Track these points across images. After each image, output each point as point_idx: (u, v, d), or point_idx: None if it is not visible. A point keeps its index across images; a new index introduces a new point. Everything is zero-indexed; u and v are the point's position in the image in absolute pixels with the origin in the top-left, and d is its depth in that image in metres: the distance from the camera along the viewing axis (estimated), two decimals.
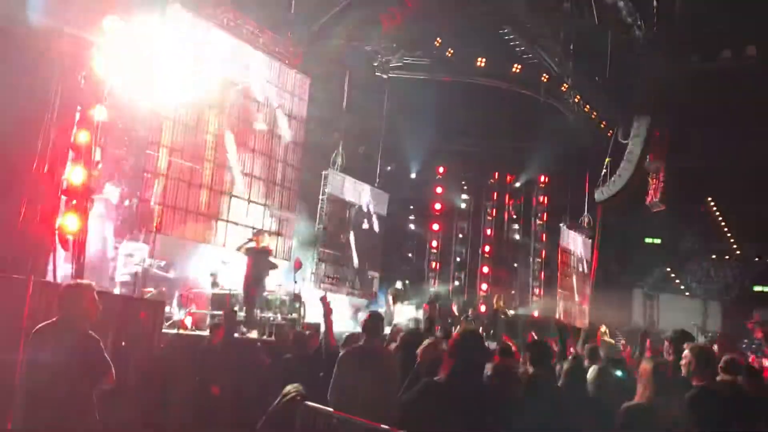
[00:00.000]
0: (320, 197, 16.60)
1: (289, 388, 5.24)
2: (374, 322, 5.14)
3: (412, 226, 22.70)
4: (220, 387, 8.02)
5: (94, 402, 4.29)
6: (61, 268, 7.71)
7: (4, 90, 6.94)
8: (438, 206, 22.86)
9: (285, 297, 12.37)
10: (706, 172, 21.48)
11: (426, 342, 4.97)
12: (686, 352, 4.53)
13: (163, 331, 8.81)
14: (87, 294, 4.38)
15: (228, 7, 13.14)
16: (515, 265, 23.86)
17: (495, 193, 23.77)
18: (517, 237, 24.09)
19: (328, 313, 6.48)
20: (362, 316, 15.99)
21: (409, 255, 22.35)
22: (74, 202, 7.61)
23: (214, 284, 11.66)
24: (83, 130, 7.79)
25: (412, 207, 22.58)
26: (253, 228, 13.06)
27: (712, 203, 26.05)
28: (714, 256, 27.82)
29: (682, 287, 27.69)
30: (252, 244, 11.48)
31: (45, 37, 7.25)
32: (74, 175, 7.67)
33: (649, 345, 7.84)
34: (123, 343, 7.22)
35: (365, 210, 18.14)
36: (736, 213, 25.06)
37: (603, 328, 20.85)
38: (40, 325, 4.29)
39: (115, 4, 8.31)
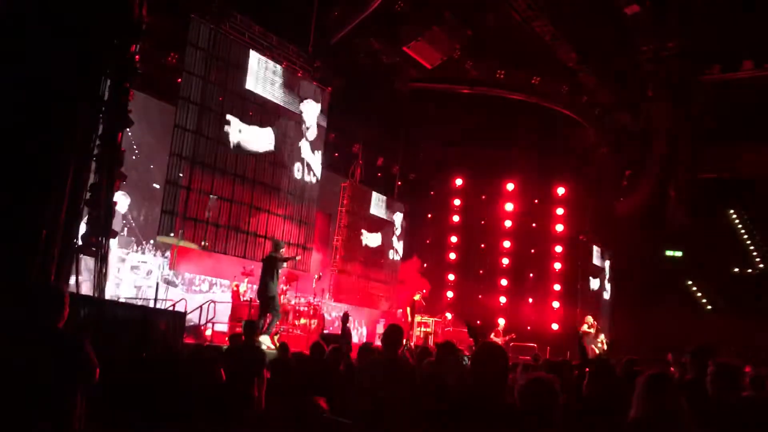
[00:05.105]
0: (339, 208, 16.67)
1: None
2: (393, 334, 5.14)
3: (427, 240, 22.66)
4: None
5: (77, 405, 4.11)
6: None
7: None
8: (456, 218, 22.74)
9: (302, 309, 12.41)
10: (728, 184, 21.24)
11: None
12: (711, 368, 4.42)
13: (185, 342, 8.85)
14: (61, 297, 4.20)
15: (249, 21, 13.30)
16: (530, 275, 23.40)
17: (514, 203, 23.41)
18: (532, 251, 23.64)
19: (348, 331, 6.48)
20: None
21: (425, 265, 22.17)
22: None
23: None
24: None
25: (430, 216, 22.59)
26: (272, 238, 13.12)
27: (734, 216, 25.70)
28: (736, 270, 27.38)
29: (704, 301, 27.27)
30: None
31: None
32: None
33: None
34: (144, 354, 7.26)
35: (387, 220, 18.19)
36: (758, 227, 24.70)
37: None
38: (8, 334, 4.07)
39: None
